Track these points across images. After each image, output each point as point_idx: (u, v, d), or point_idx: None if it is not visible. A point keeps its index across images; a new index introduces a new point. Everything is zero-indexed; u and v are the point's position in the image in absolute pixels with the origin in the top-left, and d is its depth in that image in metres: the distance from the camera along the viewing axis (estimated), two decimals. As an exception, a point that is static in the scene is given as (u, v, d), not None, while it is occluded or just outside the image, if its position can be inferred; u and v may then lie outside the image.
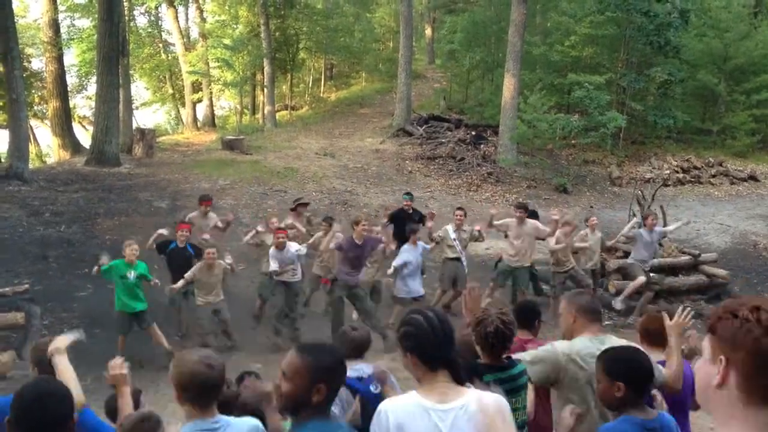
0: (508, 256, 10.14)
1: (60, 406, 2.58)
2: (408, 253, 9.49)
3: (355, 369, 3.82)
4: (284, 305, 9.17)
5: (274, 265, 8.94)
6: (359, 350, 3.99)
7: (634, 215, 12.29)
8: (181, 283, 8.58)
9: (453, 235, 10.25)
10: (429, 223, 10.46)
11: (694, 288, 11.49)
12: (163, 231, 9.43)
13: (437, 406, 2.40)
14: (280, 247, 8.98)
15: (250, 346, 8.82)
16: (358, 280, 8.99)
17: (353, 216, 10.78)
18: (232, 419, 2.76)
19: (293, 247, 9.16)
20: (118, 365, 3.66)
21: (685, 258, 11.74)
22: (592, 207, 18.07)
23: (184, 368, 2.65)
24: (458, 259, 10.28)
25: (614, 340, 3.58)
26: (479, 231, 10.49)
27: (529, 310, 4.53)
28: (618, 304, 10.47)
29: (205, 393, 2.66)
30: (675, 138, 23.36)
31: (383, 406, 2.49)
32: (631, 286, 10.43)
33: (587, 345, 3.53)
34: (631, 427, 2.88)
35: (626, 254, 11.44)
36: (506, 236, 10.41)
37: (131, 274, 8.28)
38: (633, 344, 3.54)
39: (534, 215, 10.95)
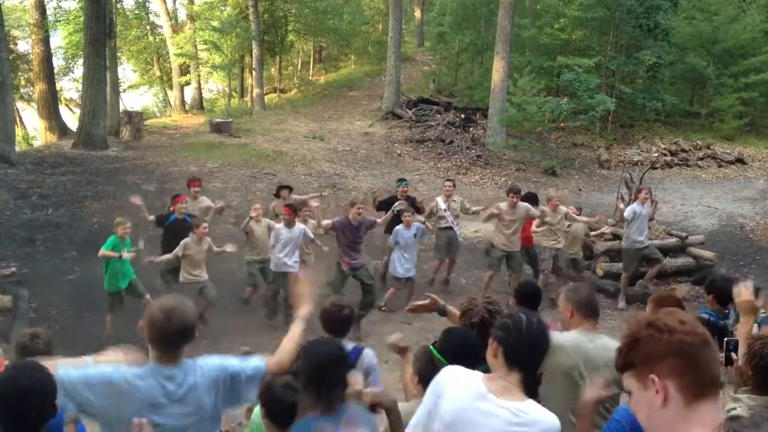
0: (499, 242, 10.00)
1: (43, 402, 2.28)
2: (400, 232, 9.63)
3: None
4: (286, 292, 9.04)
5: (273, 242, 8.92)
6: (341, 328, 3.90)
7: (623, 198, 12.31)
8: (167, 257, 8.54)
9: (443, 206, 10.44)
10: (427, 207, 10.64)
11: (681, 270, 11.59)
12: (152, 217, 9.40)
13: (491, 396, 2.37)
14: (290, 225, 8.90)
15: (236, 329, 8.67)
16: (362, 262, 9.04)
17: (351, 198, 10.72)
18: (199, 367, 2.75)
19: (305, 229, 9.11)
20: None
21: (672, 240, 11.82)
22: (580, 190, 18.13)
23: (148, 312, 2.70)
24: (450, 228, 10.48)
25: (606, 339, 3.61)
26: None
27: (531, 293, 4.33)
28: (621, 303, 10.38)
29: (161, 340, 2.68)
30: (663, 121, 23.44)
31: (448, 371, 2.52)
32: (649, 274, 10.52)
33: (577, 338, 3.56)
34: None
35: (614, 236, 11.47)
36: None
37: (124, 253, 8.22)
38: None
39: (534, 199, 10.67)
